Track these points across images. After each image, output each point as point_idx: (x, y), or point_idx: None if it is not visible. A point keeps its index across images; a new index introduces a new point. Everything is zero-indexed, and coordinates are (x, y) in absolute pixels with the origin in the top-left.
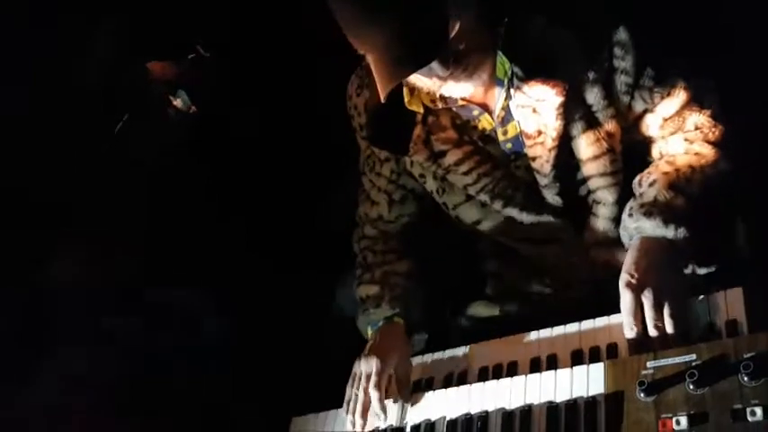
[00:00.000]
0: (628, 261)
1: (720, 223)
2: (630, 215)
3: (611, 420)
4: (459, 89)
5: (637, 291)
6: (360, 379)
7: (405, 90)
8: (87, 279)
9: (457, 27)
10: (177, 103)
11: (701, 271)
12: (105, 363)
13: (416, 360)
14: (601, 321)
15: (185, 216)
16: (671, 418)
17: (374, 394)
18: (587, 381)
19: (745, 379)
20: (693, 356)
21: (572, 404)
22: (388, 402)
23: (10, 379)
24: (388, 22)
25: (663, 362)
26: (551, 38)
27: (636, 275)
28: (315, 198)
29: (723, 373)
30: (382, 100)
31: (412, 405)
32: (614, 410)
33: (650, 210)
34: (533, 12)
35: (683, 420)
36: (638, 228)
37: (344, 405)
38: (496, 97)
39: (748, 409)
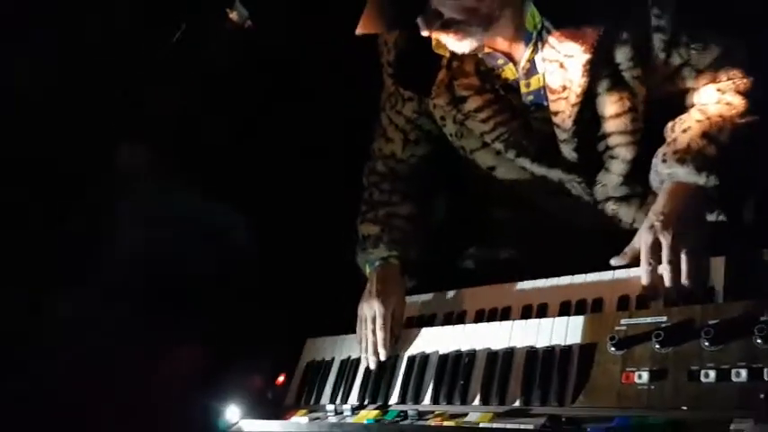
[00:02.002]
0: (657, 204)
1: (747, 172)
2: (664, 161)
3: (582, 368)
4: (453, 46)
5: (658, 232)
6: (366, 321)
7: None
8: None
9: None
10: (233, 15)
11: (723, 218)
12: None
13: (422, 297)
14: (592, 277)
15: (225, 129)
16: (634, 371)
17: (380, 335)
18: (566, 331)
19: (706, 344)
20: (664, 318)
21: (549, 351)
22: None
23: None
24: None
25: (635, 320)
26: None
27: (661, 218)
28: (358, 123)
29: (687, 336)
30: (356, 33)
31: (412, 338)
32: (586, 360)
33: (683, 157)
34: None
35: (645, 375)
36: (671, 174)
37: (359, 345)
38: (523, 49)
39: (703, 371)
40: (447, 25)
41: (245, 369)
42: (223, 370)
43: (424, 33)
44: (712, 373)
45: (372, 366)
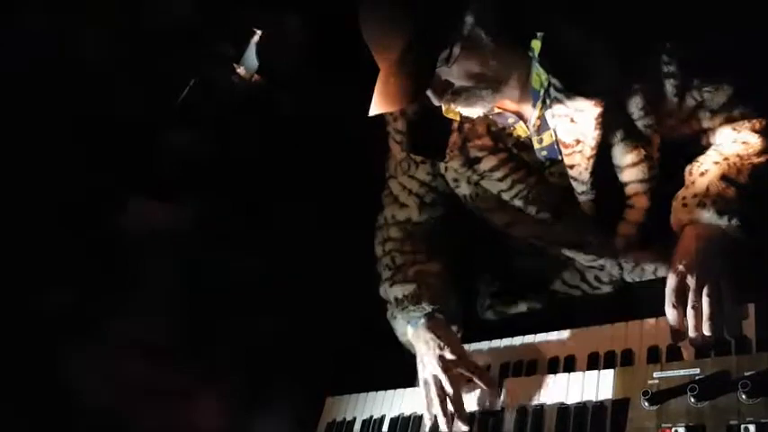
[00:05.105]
0: (680, 248)
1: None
2: (684, 205)
3: (616, 424)
4: (465, 112)
5: (683, 274)
6: (436, 378)
7: None
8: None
9: (456, 54)
10: (240, 70)
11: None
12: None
13: None
14: (618, 326)
15: (238, 185)
16: (670, 427)
17: (449, 389)
18: (597, 386)
19: (743, 397)
20: (697, 370)
21: (581, 407)
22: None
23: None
24: (391, 49)
25: (668, 373)
26: (590, 50)
27: (685, 261)
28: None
29: (723, 389)
30: (369, 114)
31: None
32: (619, 416)
33: (703, 200)
34: (571, 25)
35: (681, 431)
36: (692, 218)
37: (427, 411)
38: (531, 108)
39: (743, 426)
40: (457, 93)
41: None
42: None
43: (436, 104)
44: (752, 428)
45: (465, 428)
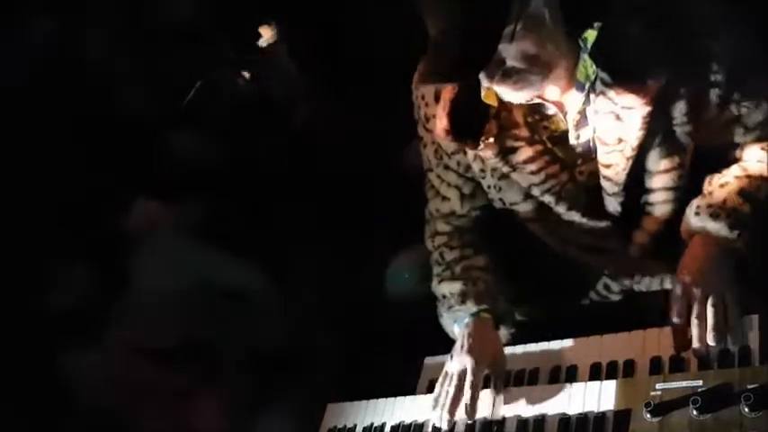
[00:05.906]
0: (687, 258)
1: None
2: (697, 213)
3: None
4: (510, 96)
5: (689, 284)
6: (452, 377)
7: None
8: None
9: (519, 31)
10: (246, 73)
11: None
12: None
13: (437, 359)
14: (621, 337)
15: (242, 189)
16: None
17: (468, 393)
18: (599, 396)
19: (746, 410)
20: (700, 382)
21: (583, 418)
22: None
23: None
24: (452, 19)
25: (671, 385)
26: (645, 48)
27: (691, 271)
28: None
29: (726, 401)
30: (414, 87)
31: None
32: (621, 427)
33: (717, 212)
34: (631, 20)
35: None
36: (703, 228)
37: (433, 401)
38: (574, 100)
39: None
40: (507, 74)
41: None
42: None
43: (485, 83)
44: None
45: (445, 427)
